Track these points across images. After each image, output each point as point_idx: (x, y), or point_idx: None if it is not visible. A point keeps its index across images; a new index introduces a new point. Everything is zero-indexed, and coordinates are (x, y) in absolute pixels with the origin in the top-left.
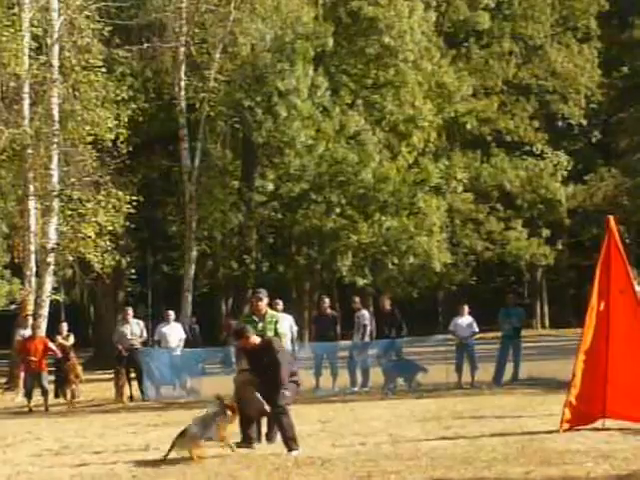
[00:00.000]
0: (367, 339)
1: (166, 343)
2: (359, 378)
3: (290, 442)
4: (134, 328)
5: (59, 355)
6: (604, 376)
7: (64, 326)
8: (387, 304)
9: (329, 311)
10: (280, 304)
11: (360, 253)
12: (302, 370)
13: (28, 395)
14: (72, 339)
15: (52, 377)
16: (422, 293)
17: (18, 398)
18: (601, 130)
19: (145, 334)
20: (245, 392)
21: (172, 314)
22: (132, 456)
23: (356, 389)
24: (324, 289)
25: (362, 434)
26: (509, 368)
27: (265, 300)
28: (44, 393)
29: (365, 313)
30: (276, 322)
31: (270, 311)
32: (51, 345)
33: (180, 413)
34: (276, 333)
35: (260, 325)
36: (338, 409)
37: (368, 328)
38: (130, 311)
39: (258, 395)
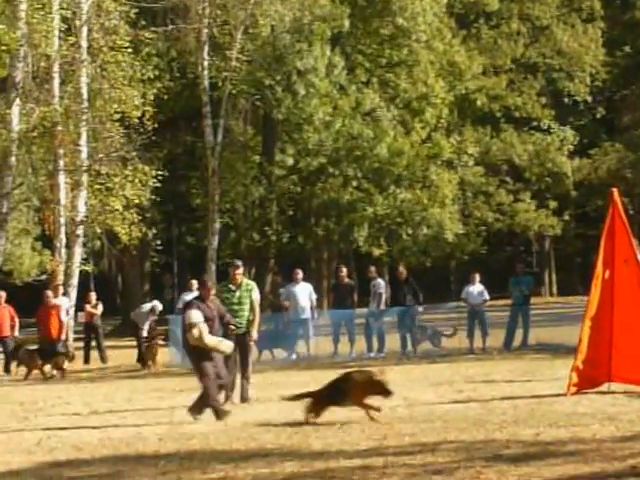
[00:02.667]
0: (382, 307)
1: None
2: (375, 344)
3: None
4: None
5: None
6: (609, 341)
7: (93, 295)
8: (403, 272)
9: (346, 280)
10: (300, 273)
11: (376, 224)
12: (321, 336)
13: (48, 362)
14: (101, 308)
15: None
16: (435, 262)
17: (48, 365)
18: (605, 106)
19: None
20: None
21: (195, 283)
22: (158, 420)
23: (372, 355)
24: (341, 259)
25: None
26: (519, 334)
27: (241, 269)
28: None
29: (380, 281)
30: (251, 290)
31: (246, 280)
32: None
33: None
34: (251, 300)
35: (237, 294)
36: None
37: (383, 296)
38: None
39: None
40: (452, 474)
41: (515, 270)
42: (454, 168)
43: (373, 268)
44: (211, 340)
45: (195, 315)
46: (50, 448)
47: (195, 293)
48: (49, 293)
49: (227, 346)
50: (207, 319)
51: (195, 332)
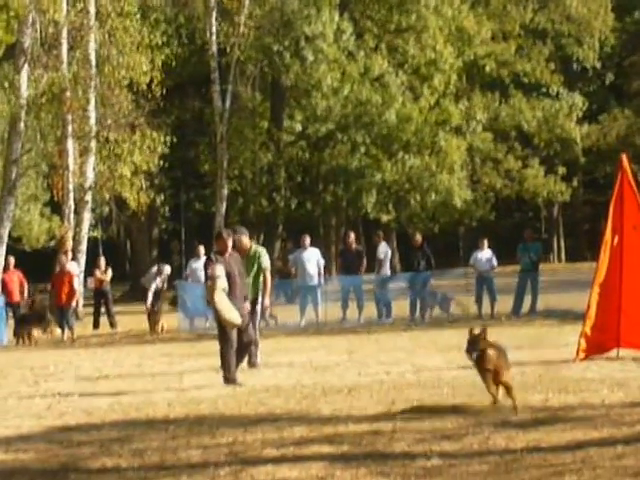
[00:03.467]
0: (387, 272)
1: (196, 277)
2: (385, 310)
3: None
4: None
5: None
6: (618, 307)
7: (102, 261)
8: (418, 239)
9: (354, 246)
10: (307, 239)
11: (384, 190)
12: (329, 302)
13: (60, 327)
14: (110, 273)
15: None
16: (443, 229)
17: (58, 330)
18: (614, 72)
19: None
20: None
21: (203, 249)
22: (168, 385)
23: (381, 321)
24: (350, 225)
25: (386, 363)
26: (527, 300)
27: (246, 238)
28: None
29: (381, 246)
30: (260, 257)
31: (255, 246)
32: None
33: (212, 344)
34: (261, 267)
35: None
36: (364, 340)
37: (386, 262)
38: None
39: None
40: (460, 439)
41: (524, 236)
42: (463, 134)
43: (380, 232)
44: (221, 302)
45: (217, 268)
46: (60, 412)
47: (202, 259)
48: (63, 259)
49: (234, 317)
50: (227, 274)
51: (209, 284)
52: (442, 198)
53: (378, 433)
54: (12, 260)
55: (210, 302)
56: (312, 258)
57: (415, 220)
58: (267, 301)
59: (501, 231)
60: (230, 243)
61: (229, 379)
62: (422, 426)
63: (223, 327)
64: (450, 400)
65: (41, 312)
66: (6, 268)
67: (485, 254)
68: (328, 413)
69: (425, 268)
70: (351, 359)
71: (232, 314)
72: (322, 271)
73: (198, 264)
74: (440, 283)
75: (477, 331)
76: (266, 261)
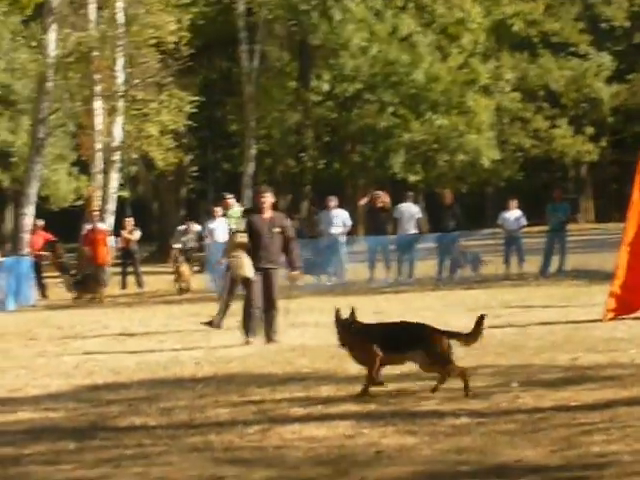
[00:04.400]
0: (414, 231)
1: (214, 238)
2: (407, 270)
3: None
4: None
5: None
6: None
7: (130, 221)
8: (449, 198)
9: (382, 206)
10: (334, 200)
11: (412, 150)
12: (356, 263)
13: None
14: (137, 234)
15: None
16: (471, 189)
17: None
18: None
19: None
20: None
21: (219, 210)
22: (195, 344)
23: (406, 280)
24: (378, 185)
25: None
26: (555, 260)
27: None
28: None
29: (400, 207)
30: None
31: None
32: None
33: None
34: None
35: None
36: (391, 300)
37: (411, 221)
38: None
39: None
40: (489, 398)
41: (552, 196)
42: (491, 94)
43: (411, 193)
44: (234, 257)
45: (241, 225)
46: (88, 372)
47: (219, 220)
48: (94, 218)
49: (247, 270)
50: (254, 230)
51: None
52: (470, 158)
53: (406, 392)
54: (41, 222)
55: (225, 256)
56: (338, 219)
57: (443, 180)
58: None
59: (529, 191)
60: (266, 201)
61: (244, 338)
62: (450, 385)
63: (244, 284)
64: (480, 359)
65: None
66: (34, 230)
67: (513, 214)
68: (355, 372)
69: (454, 228)
70: (379, 319)
71: (242, 268)
72: (348, 231)
73: (215, 224)
74: (468, 243)
75: (345, 316)
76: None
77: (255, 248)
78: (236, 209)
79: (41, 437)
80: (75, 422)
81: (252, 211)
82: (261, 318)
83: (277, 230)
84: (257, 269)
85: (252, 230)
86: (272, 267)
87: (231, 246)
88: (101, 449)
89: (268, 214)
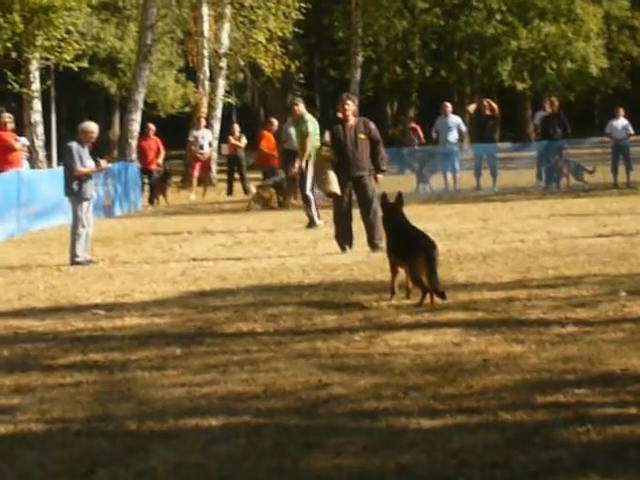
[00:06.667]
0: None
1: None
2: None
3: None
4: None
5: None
6: None
7: (237, 128)
8: (556, 104)
9: (489, 114)
10: (449, 106)
11: (519, 58)
12: (463, 170)
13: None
14: (244, 140)
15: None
16: (579, 97)
17: (192, 196)
18: None
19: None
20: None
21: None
22: (302, 251)
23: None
24: (485, 93)
25: (521, 231)
26: None
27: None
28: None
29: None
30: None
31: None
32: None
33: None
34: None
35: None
36: (498, 208)
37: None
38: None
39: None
40: (595, 307)
41: None
42: (599, 2)
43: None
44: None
45: (329, 136)
46: (195, 278)
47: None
48: (273, 120)
49: (333, 186)
50: (339, 140)
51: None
52: (578, 66)
53: (513, 300)
54: (152, 127)
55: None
56: (453, 125)
57: (550, 88)
58: (297, 164)
59: (637, 99)
60: (349, 108)
61: (340, 246)
62: (557, 293)
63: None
64: (586, 268)
65: None
66: (145, 135)
67: (621, 122)
68: (463, 280)
69: (561, 136)
70: (485, 227)
71: (330, 184)
72: (464, 138)
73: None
74: (576, 152)
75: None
76: (309, 128)
77: (342, 158)
78: (308, 116)
79: (148, 343)
80: (182, 328)
81: (335, 122)
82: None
83: (362, 136)
84: (348, 179)
85: (337, 140)
86: (363, 174)
87: (317, 161)
88: (207, 355)
89: (352, 121)
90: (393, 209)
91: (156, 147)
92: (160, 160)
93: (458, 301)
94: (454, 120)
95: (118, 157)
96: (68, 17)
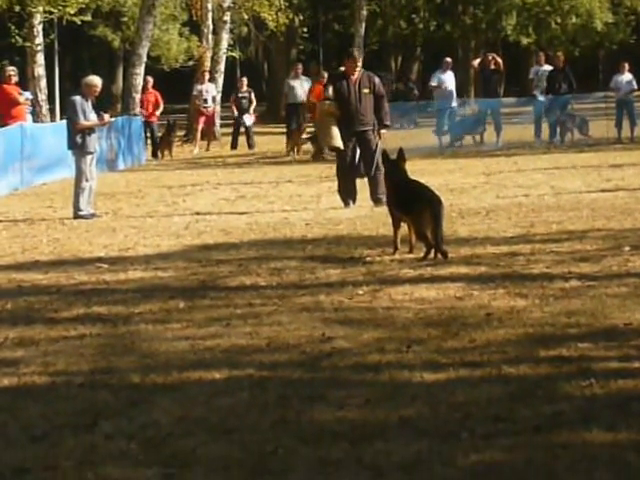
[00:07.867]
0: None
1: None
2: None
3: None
4: (304, 84)
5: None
6: None
7: (244, 81)
8: (561, 59)
9: (493, 68)
10: (449, 61)
11: (524, 12)
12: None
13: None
14: (254, 102)
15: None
16: (583, 52)
17: (196, 150)
18: None
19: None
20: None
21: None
22: (305, 205)
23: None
24: (489, 47)
25: (525, 186)
26: None
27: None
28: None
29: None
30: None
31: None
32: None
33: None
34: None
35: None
36: (501, 162)
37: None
38: (300, 67)
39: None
40: (599, 261)
41: None
42: None
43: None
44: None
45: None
46: (198, 232)
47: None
48: (324, 73)
49: (336, 140)
50: (342, 95)
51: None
52: (583, 21)
53: (516, 254)
54: (150, 80)
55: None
56: (452, 80)
57: (555, 43)
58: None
59: None
60: (355, 64)
61: (344, 201)
62: (561, 248)
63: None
64: (590, 223)
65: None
66: (144, 88)
67: (625, 77)
68: (466, 234)
69: (566, 91)
70: (488, 181)
71: (332, 138)
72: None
73: (296, 83)
74: (580, 107)
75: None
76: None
77: (346, 113)
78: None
79: (151, 296)
80: (185, 281)
81: (338, 77)
82: (365, 182)
83: (366, 91)
84: (351, 134)
85: (340, 95)
86: (366, 129)
87: (320, 115)
88: (211, 308)
89: (355, 75)
90: (394, 165)
91: (154, 100)
92: (158, 112)
93: (461, 256)
94: (452, 75)
95: (121, 111)
96: None
